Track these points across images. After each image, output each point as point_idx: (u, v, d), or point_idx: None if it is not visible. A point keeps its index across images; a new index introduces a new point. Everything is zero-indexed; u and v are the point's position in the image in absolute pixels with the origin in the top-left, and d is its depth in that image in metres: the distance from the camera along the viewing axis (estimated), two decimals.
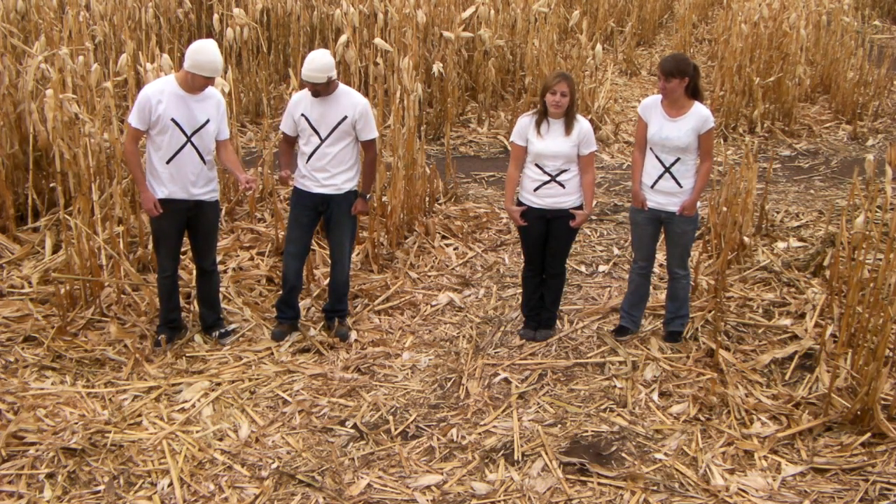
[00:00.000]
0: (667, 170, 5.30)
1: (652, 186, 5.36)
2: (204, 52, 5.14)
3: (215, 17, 9.91)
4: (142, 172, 5.34)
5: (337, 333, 5.80)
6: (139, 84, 6.96)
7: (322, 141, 5.47)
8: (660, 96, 5.33)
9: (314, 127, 5.48)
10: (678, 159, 5.28)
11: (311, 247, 6.17)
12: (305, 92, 5.52)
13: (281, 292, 5.84)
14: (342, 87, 5.58)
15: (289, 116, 5.60)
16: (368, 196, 5.74)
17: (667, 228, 5.48)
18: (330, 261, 5.84)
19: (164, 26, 10.03)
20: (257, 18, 9.85)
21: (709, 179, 5.58)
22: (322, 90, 5.42)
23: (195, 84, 5.19)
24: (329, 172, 5.53)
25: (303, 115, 5.50)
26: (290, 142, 5.68)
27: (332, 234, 5.74)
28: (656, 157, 5.33)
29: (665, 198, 5.34)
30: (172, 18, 10.28)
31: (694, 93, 5.27)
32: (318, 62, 5.37)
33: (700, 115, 5.25)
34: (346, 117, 5.46)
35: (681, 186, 5.31)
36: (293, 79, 6.94)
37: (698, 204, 5.46)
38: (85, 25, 8.10)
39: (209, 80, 5.22)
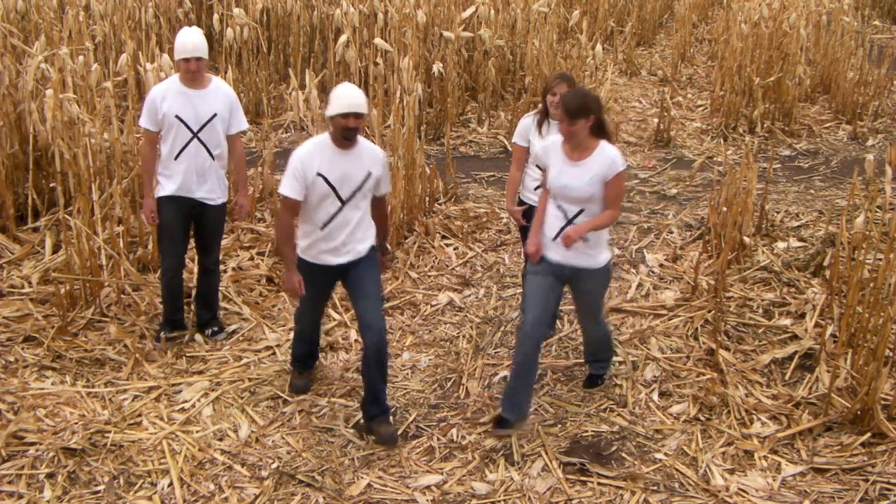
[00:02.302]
0: (570, 221, 4.57)
1: (554, 239, 4.63)
2: (179, 36, 5.20)
3: (215, 17, 9.91)
4: (151, 179, 5.36)
5: (384, 440, 4.72)
6: (139, 84, 6.98)
7: (343, 204, 4.58)
8: (560, 137, 4.64)
9: (335, 188, 4.53)
10: (582, 210, 4.56)
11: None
12: (316, 144, 4.58)
13: (296, 347, 5.18)
14: (359, 138, 4.66)
15: (297, 178, 4.52)
16: (388, 249, 5.19)
17: (572, 286, 4.80)
18: (359, 324, 4.79)
19: (164, 26, 10.02)
20: (257, 18, 9.85)
21: (612, 223, 4.70)
22: (356, 133, 4.53)
23: (185, 73, 5.19)
24: (351, 239, 4.65)
25: (319, 174, 4.51)
26: (296, 211, 4.66)
27: (358, 297, 4.77)
28: (558, 206, 4.61)
29: (569, 252, 4.60)
30: (172, 18, 10.27)
31: (599, 130, 4.56)
32: (358, 92, 4.48)
33: (606, 158, 4.50)
34: (370, 174, 4.60)
35: (586, 240, 4.57)
36: (293, 79, 6.93)
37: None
38: (85, 25, 8.10)
39: (194, 64, 5.15)
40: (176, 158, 5.24)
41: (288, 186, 4.54)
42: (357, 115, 4.43)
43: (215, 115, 5.27)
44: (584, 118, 4.43)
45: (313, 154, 4.53)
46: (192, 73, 5.17)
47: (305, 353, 5.21)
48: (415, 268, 6.75)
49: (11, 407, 4.87)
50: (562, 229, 4.56)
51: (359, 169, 4.56)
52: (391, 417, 4.83)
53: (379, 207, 4.88)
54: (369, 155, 4.63)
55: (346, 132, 4.44)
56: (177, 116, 5.19)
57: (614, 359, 5.49)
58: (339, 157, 4.53)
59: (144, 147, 5.38)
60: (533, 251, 4.66)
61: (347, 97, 4.42)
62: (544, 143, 4.77)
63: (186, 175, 5.26)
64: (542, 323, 4.77)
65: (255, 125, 9.76)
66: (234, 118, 5.40)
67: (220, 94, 5.32)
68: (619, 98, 11.20)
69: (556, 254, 4.63)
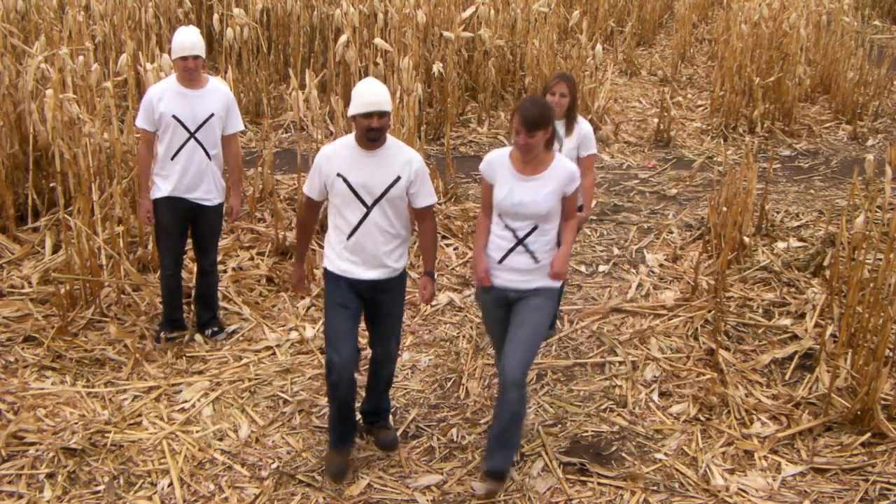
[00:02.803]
0: (520, 242, 4.20)
1: (500, 262, 4.23)
2: (176, 35, 5.20)
3: (215, 17, 9.91)
4: (147, 179, 5.37)
5: (382, 444, 4.67)
6: (139, 84, 6.98)
7: (369, 210, 4.22)
8: (505, 150, 4.28)
9: (356, 192, 4.20)
10: (535, 228, 4.18)
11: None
12: (342, 143, 4.31)
13: (332, 414, 4.45)
14: (390, 138, 4.31)
15: (317, 175, 4.30)
16: (434, 274, 4.56)
17: (514, 311, 4.27)
18: (372, 354, 4.57)
19: (164, 26, 10.03)
20: (257, 18, 9.85)
21: (576, 235, 4.29)
22: (382, 133, 4.20)
23: (183, 72, 5.18)
24: (382, 252, 4.28)
25: (340, 175, 4.21)
26: (316, 210, 4.49)
27: (378, 326, 4.47)
28: (506, 226, 4.21)
29: (516, 275, 4.22)
30: (172, 18, 10.27)
31: (552, 142, 4.25)
32: (380, 89, 4.17)
33: (565, 172, 4.17)
34: (398, 178, 4.22)
35: (537, 261, 4.21)
36: (293, 79, 6.93)
37: (564, 277, 4.32)
38: (85, 25, 8.10)
39: (192, 62, 5.15)
40: (173, 158, 5.24)
41: (308, 183, 4.37)
42: (381, 114, 4.12)
43: (212, 115, 5.26)
44: (544, 130, 4.08)
45: (337, 152, 4.26)
46: (191, 71, 5.16)
47: (342, 418, 4.43)
48: (415, 267, 6.74)
49: (11, 407, 4.87)
50: (511, 249, 4.19)
51: (385, 172, 4.20)
52: (391, 419, 4.82)
53: (421, 224, 4.43)
54: (400, 158, 4.24)
55: (369, 133, 4.13)
56: (174, 116, 5.18)
57: (614, 359, 5.48)
58: (363, 158, 4.20)
59: (141, 147, 5.38)
60: (483, 275, 4.26)
61: (368, 94, 4.11)
62: (488, 157, 4.32)
63: (183, 175, 5.25)
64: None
65: (255, 125, 9.77)
66: (230, 119, 5.40)
67: (217, 94, 5.32)
68: (619, 98, 11.20)
69: (502, 279, 4.25)
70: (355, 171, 4.19)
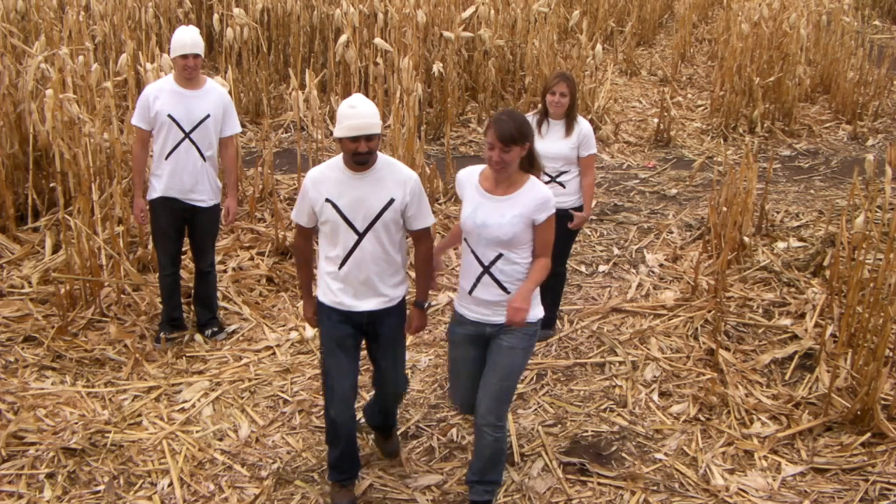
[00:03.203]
0: (486, 270, 3.84)
1: (470, 292, 3.89)
2: (176, 34, 5.20)
3: (215, 17, 9.92)
4: (140, 178, 5.36)
5: (384, 451, 4.56)
6: (139, 84, 6.98)
7: (361, 236, 3.90)
8: (479, 167, 3.94)
9: (346, 217, 3.87)
10: (499, 256, 3.81)
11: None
12: (330, 165, 3.96)
13: (332, 448, 4.17)
14: (382, 156, 3.96)
15: (304, 199, 3.96)
16: (427, 304, 4.18)
17: (489, 351, 3.94)
18: (375, 387, 4.31)
19: (164, 26, 10.03)
20: (257, 18, 9.86)
21: (546, 275, 3.89)
22: (371, 156, 3.85)
23: (182, 71, 5.17)
24: (376, 281, 3.96)
25: (329, 200, 3.87)
26: (309, 237, 4.15)
27: (380, 360, 4.17)
28: (472, 251, 3.87)
29: (487, 308, 3.88)
30: (172, 18, 10.28)
31: (529, 164, 3.83)
32: (367, 110, 3.81)
33: (537, 197, 3.77)
34: (392, 201, 3.88)
35: (506, 292, 3.83)
36: (293, 79, 6.93)
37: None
38: (85, 25, 8.10)
39: (192, 60, 5.14)
40: (167, 158, 5.23)
41: (296, 209, 4.03)
42: (369, 138, 3.76)
43: (208, 115, 5.25)
44: (520, 145, 3.71)
45: (325, 175, 3.91)
46: (190, 70, 5.15)
47: (345, 456, 4.15)
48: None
49: (11, 407, 4.87)
50: (478, 278, 3.84)
51: (377, 195, 3.86)
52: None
53: (417, 246, 4.10)
54: (393, 178, 3.90)
55: (356, 157, 3.79)
56: (169, 116, 5.17)
57: (614, 359, 5.48)
58: (352, 180, 3.85)
59: (136, 145, 5.37)
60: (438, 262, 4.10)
61: (353, 116, 3.75)
62: (460, 173, 4.00)
63: (177, 175, 5.25)
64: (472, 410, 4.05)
65: (255, 125, 9.77)
66: (227, 120, 5.39)
67: (214, 95, 5.31)
68: (619, 98, 11.20)
69: (475, 312, 3.91)
70: (345, 195, 3.85)
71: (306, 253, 4.18)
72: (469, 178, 3.93)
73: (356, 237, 3.88)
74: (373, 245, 3.90)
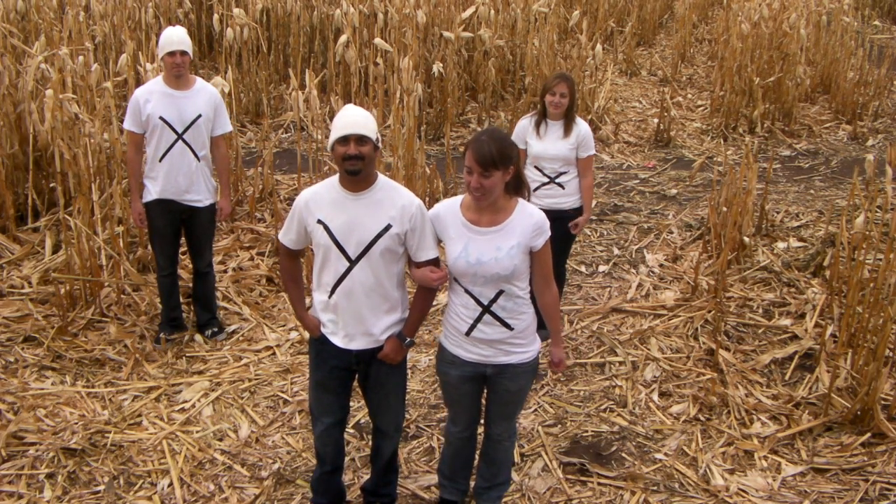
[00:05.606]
0: (486, 309, 3.54)
1: (467, 334, 3.59)
2: (163, 33, 5.19)
3: (215, 17, 9.92)
4: (137, 181, 5.35)
5: None
6: (139, 84, 6.97)
7: (352, 264, 3.53)
8: (456, 199, 3.59)
9: (338, 241, 3.52)
10: (500, 293, 3.52)
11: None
12: (325, 184, 3.62)
13: (317, 471, 4.06)
14: (383, 178, 3.61)
15: (293, 219, 3.63)
16: (408, 341, 3.70)
17: (493, 386, 3.74)
18: (373, 425, 4.00)
19: (164, 26, 10.02)
20: (257, 18, 9.85)
21: (559, 310, 3.78)
22: (367, 166, 3.47)
23: (171, 69, 5.16)
24: (363, 317, 3.60)
25: (321, 221, 3.53)
26: (295, 258, 3.81)
27: (372, 398, 3.86)
28: (466, 290, 3.54)
29: (490, 348, 3.61)
30: (172, 18, 10.28)
31: (516, 188, 3.51)
32: (358, 114, 3.51)
33: (530, 223, 3.48)
34: (388, 227, 3.51)
35: (510, 329, 3.57)
36: (293, 79, 6.93)
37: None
38: (85, 25, 8.10)
39: (177, 59, 5.12)
40: (161, 160, 5.23)
41: (283, 229, 3.69)
42: (360, 139, 3.42)
43: (200, 115, 5.24)
44: (503, 169, 3.36)
45: (319, 195, 3.57)
46: (178, 67, 5.13)
47: (326, 481, 4.02)
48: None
49: (11, 407, 4.87)
50: (479, 318, 3.54)
51: (373, 219, 3.49)
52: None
53: (419, 283, 3.65)
54: (392, 202, 3.52)
55: (346, 162, 3.43)
56: (161, 118, 5.16)
57: (614, 359, 5.48)
58: (346, 201, 3.51)
59: (129, 149, 5.35)
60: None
61: (343, 118, 3.48)
62: (435, 208, 3.64)
63: (172, 177, 5.24)
64: (472, 426, 3.93)
65: (255, 125, 9.77)
66: (218, 119, 5.38)
67: (204, 94, 5.30)
68: (619, 98, 11.20)
69: (474, 353, 3.63)
70: (338, 217, 3.50)
71: (293, 271, 3.83)
72: (449, 211, 3.54)
73: (347, 264, 3.52)
74: (365, 275, 3.52)
